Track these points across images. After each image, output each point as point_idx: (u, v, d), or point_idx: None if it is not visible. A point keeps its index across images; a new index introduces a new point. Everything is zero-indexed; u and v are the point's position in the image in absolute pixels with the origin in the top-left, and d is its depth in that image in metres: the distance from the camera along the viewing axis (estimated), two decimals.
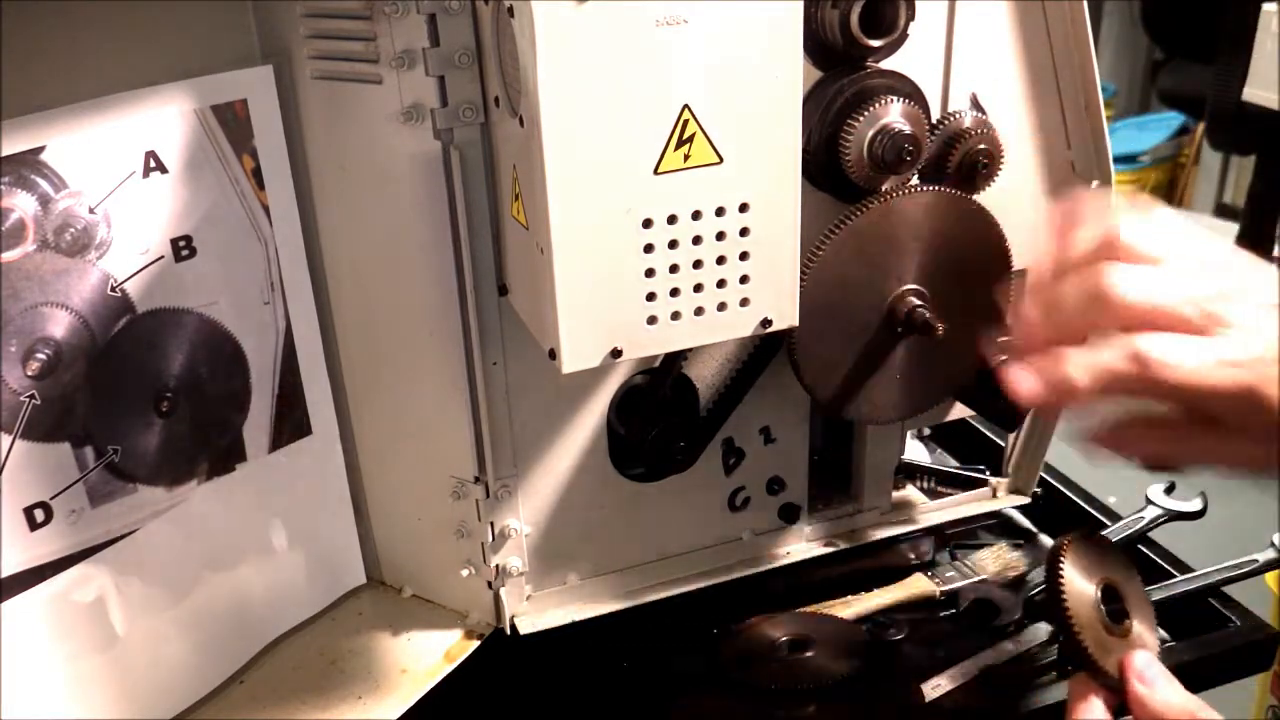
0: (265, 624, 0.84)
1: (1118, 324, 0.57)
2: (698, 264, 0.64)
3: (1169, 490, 0.91)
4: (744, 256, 0.65)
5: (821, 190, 0.76)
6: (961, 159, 0.77)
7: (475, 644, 0.83)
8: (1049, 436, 0.92)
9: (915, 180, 0.77)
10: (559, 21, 0.56)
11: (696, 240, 0.63)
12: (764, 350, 0.81)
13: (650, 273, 0.63)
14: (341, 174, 0.75)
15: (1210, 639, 0.80)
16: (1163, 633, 0.81)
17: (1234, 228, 2.93)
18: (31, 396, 0.66)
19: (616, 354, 0.64)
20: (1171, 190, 3.73)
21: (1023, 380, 0.59)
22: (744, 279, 0.65)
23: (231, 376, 0.77)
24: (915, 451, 0.99)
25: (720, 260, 0.64)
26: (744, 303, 0.66)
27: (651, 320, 0.64)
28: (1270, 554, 0.86)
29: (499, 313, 0.75)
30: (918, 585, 0.86)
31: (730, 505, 0.87)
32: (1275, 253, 2.78)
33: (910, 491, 0.95)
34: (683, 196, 0.62)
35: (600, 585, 0.85)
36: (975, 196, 0.78)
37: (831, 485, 0.92)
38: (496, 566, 0.82)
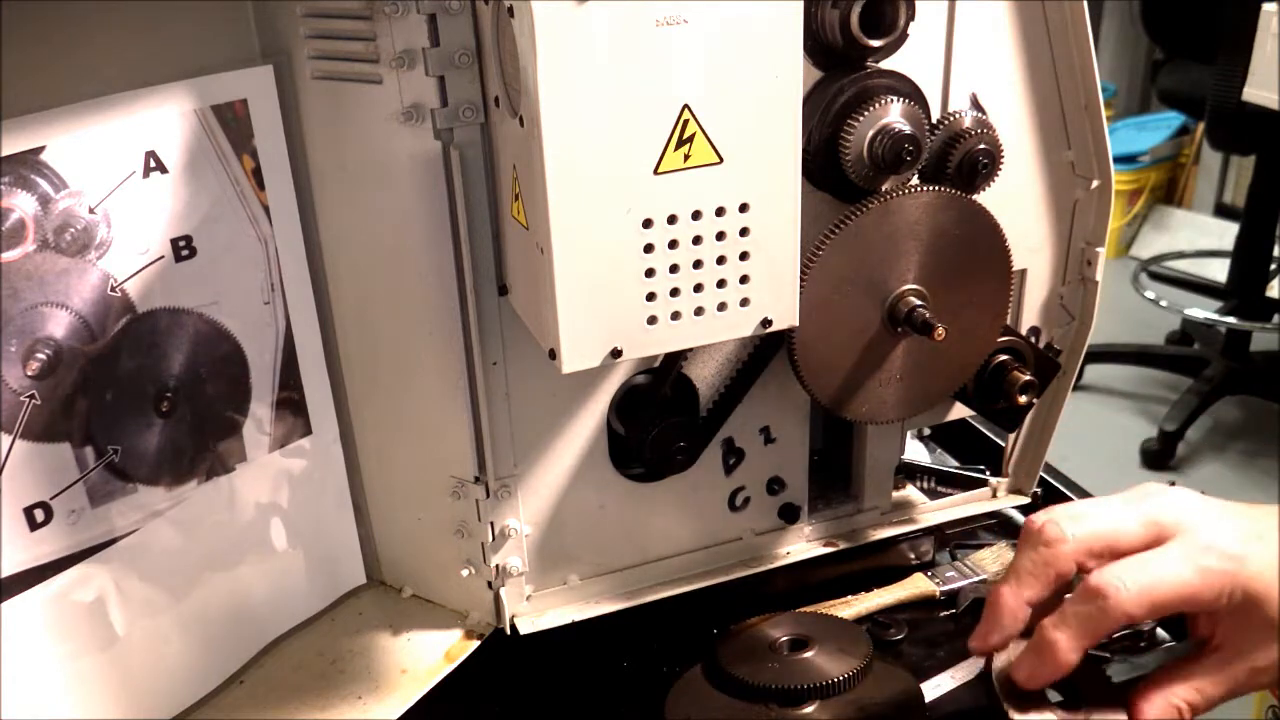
0: (265, 624, 0.84)
1: (1069, 567, 0.64)
2: (698, 264, 0.64)
3: None
4: (744, 256, 0.65)
5: (821, 190, 0.76)
6: (961, 159, 0.77)
7: (475, 644, 0.83)
8: (1049, 436, 0.92)
9: (915, 180, 0.77)
10: (559, 21, 0.56)
11: (696, 240, 0.63)
12: (764, 350, 0.81)
13: (650, 273, 0.63)
14: (341, 174, 0.75)
15: None
16: (1163, 633, 0.81)
17: (1234, 228, 2.94)
18: (31, 396, 0.66)
19: (616, 354, 0.64)
20: (1171, 190, 3.73)
21: (1022, 671, 0.65)
22: (744, 279, 0.65)
23: (231, 376, 0.77)
24: (915, 451, 0.99)
25: (720, 260, 0.64)
26: (744, 303, 0.66)
27: (651, 320, 0.64)
28: None
29: (499, 313, 0.75)
30: (918, 585, 0.86)
31: (730, 505, 0.87)
32: (1276, 252, 2.79)
33: (910, 491, 0.95)
34: (683, 196, 0.62)
35: (600, 585, 0.85)
36: (975, 196, 0.78)
37: (831, 485, 0.92)
38: (496, 566, 0.82)
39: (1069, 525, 0.64)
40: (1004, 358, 0.84)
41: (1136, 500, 0.66)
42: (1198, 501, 0.65)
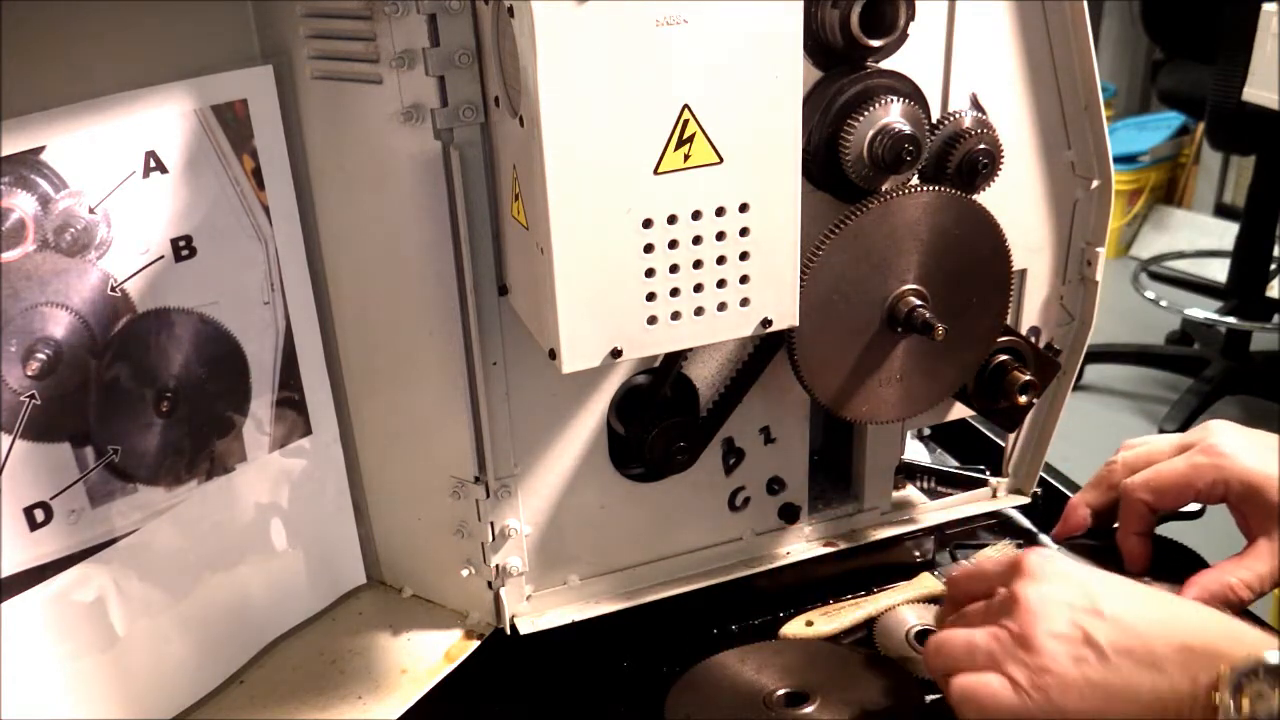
0: (265, 624, 0.84)
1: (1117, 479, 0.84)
2: (698, 264, 0.64)
3: None
4: (744, 256, 0.65)
5: (821, 190, 0.76)
6: (961, 159, 0.77)
7: (475, 644, 0.83)
8: (1049, 436, 0.92)
9: (915, 180, 0.77)
10: (559, 21, 0.56)
11: (696, 240, 0.63)
12: (764, 350, 0.81)
13: (650, 273, 0.63)
14: (341, 174, 0.75)
15: None
16: None
17: (1234, 228, 2.94)
18: (31, 396, 0.66)
19: (616, 354, 0.64)
20: (1171, 190, 3.73)
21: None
22: (744, 279, 0.65)
23: (231, 376, 0.77)
24: (915, 451, 0.99)
25: (720, 260, 0.64)
26: (744, 303, 0.66)
27: (651, 320, 0.64)
28: None
29: (499, 313, 0.75)
30: (925, 584, 0.86)
31: (730, 505, 0.87)
32: (1276, 252, 2.79)
33: (910, 491, 0.95)
34: (683, 196, 0.62)
35: (600, 585, 0.85)
36: (975, 196, 0.78)
37: (831, 485, 0.92)
38: (496, 566, 0.82)
39: (1123, 451, 0.85)
40: (1004, 358, 0.84)
41: (1186, 434, 0.81)
42: (1226, 426, 0.79)
